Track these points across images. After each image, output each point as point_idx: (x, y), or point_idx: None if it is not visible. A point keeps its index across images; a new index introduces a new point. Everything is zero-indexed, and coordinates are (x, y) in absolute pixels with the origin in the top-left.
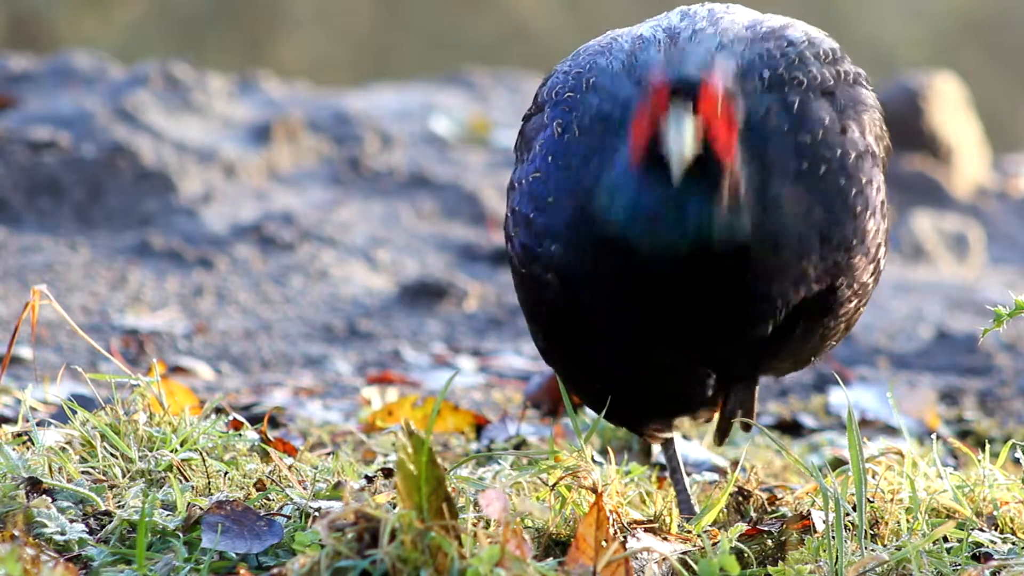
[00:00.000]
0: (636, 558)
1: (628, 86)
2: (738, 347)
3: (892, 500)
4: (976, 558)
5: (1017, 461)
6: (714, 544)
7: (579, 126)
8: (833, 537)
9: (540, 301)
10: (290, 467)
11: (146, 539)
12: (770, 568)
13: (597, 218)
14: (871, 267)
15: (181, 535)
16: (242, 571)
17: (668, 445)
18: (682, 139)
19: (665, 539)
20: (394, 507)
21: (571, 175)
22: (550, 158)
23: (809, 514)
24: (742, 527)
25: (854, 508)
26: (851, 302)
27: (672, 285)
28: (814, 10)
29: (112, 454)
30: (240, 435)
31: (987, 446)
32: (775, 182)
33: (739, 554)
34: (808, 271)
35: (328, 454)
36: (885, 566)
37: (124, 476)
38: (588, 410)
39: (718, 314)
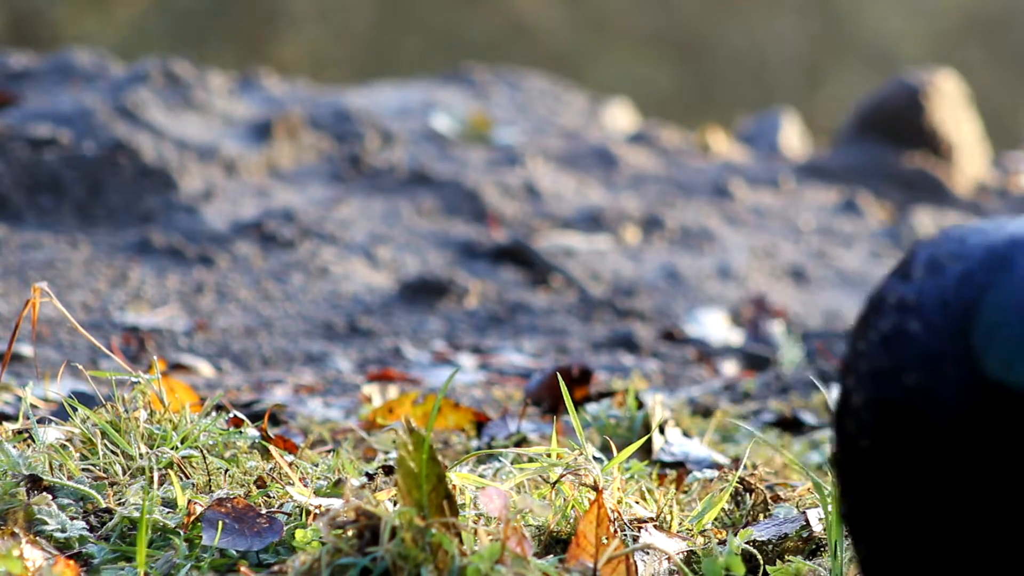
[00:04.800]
0: (643, 554)
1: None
2: None
3: None
4: None
5: None
6: (720, 542)
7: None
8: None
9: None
10: (291, 464)
11: (147, 536)
12: (769, 568)
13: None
14: None
15: (182, 532)
16: (242, 568)
17: None
18: None
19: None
20: (395, 504)
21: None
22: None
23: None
24: (751, 531)
25: None
26: None
27: None
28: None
29: (113, 451)
30: (241, 432)
31: None
32: None
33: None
34: None
35: (329, 451)
36: None
37: (124, 473)
38: (589, 407)
39: None
